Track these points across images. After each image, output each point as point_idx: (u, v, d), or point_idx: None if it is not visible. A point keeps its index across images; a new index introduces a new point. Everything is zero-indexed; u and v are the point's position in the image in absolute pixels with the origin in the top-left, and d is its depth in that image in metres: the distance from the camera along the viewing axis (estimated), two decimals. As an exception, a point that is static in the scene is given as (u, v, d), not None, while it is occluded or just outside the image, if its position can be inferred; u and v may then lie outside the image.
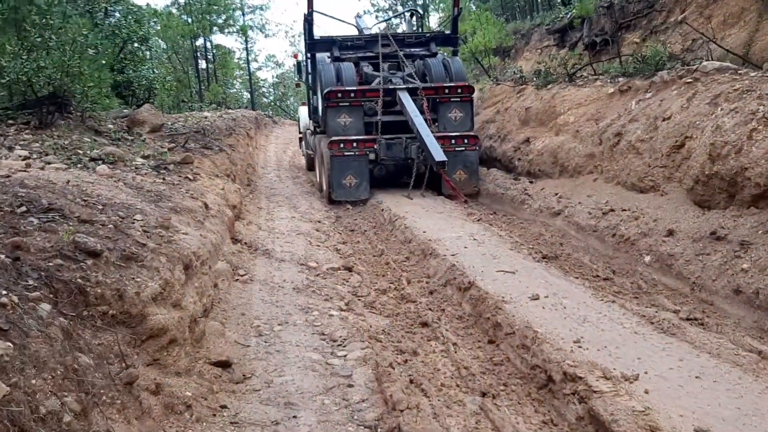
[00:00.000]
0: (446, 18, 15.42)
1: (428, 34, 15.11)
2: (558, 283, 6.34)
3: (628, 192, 8.80)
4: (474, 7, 22.57)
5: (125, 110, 14.54)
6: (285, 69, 49.26)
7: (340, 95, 12.35)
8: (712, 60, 9.78)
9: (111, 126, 11.97)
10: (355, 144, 12.06)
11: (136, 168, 8.60)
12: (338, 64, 13.27)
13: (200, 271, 5.37)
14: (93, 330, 3.24)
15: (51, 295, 3.11)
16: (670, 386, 3.92)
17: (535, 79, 14.32)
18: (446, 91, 12.57)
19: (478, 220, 9.87)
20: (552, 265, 7.21)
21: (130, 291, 3.70)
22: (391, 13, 34.94)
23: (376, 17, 35.79)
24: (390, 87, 12.53)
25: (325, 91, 12.56)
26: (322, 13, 21.04)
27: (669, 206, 7.73)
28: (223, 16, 37.31)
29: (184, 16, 35.17)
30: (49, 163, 7.44)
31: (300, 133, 18.76)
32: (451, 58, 13.85)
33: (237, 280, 6.71)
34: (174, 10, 35.34)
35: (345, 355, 4.91)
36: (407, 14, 20.33)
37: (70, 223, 4.31)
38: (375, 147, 12.18)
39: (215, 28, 37.20)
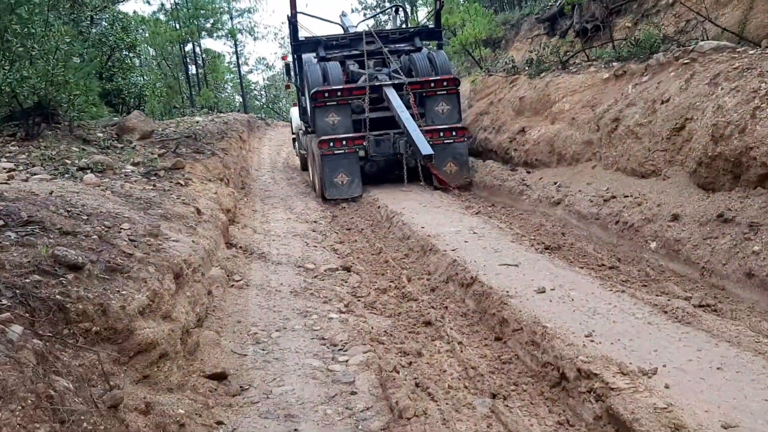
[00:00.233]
0: (433, 12, 15.33)
1: (412, 30, 15.17)
2: (563, 275, 6.13)
3: (628, 178, 8.60)
4: (462, 0, 22.31)
5: (115, 118, 14.32)
6: (276, 71, 49.00)
7: (326, 95, 12.40)
8: (708, 40, 9.58)
9: (100, 134, 11.76)
10: (344, 142, 12.13)
11: (126, 176, 8.39)
12: (324, 63, 13.35)
13: (192, 279, 5.15)
14: (74, 350, 3.03)
15: (26, 315, 2.90)
16: (691, 379, 3.72)
17: (527, 68, 14.10)
18: (432, 84, 12.65)
19: (477, 213, 9.67)
20: (555, 255, 7.01)
21: (114, 305, 3.49)
22: (378, 10, 34.69)
23: (364, 14, 35.60)
24: (376, 84, 12.59)
25: (311, 92, 12.63)
26: (305, 14, 20.89)
27: (672, 190, 7.53)
28: (211, 20, 37.04)
29: (172, 22, 34.89)
30: (34, 175, 7.23)
31: (293, 133, 18.66)
32: (436, 52, 13.87)
33: (232, 286, 6.50)
34: (161, 16, 35.06)
35: (346, 360, 4.70)
36: (392, 10, 20.21)
37: (51, 236, 4.10)
38: (364, 144, 12.28)
39: (204, 33, 36.93)
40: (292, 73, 15.83)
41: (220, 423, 3.68)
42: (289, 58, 16.93)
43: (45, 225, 4.25)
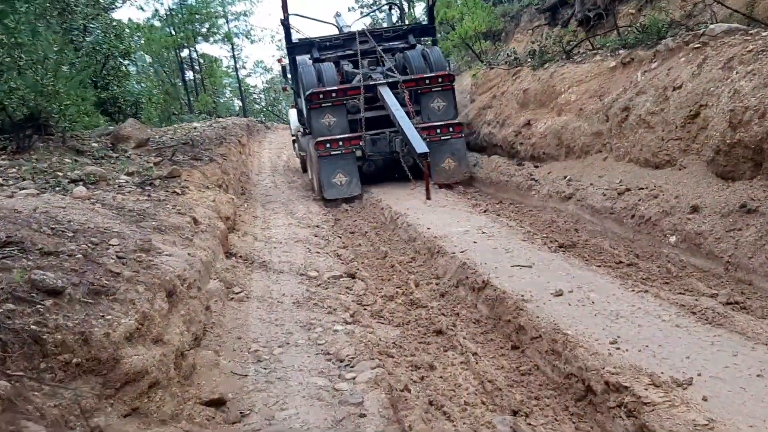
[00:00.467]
0: (427, 8, 15.16)
1: (405, 27, 15.10)
2: (580, 275, 5.81)
3: (642, 169, 8.26)
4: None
5: (111, 127, 14.04)
6: (274, 74, 48.74)
7: (321, 96, 12.37)
8: (718, 23, 9.23)
9: (95, 144, 11.47)
10: (340, 143, 12.12)
11: (119, 186, 8.09)
12: (318, 65, 13.32)
13: (187, 296, 4.85)
14: (51, 387, 2.72)
15: (-7, 352, 2.60)
16: (731, 389, 3.40)
17: (530, 59, 13.76)
18: (426, 81, 12.61)
19: (485, 211, 9.36)
20: (570, 254, 6.69)
21: (97, 332, 3.18)
22: (374, 8, 34.39)
23: (360, 12, 35.26)
24: (370, 83, 12.50)
25: (306, 94, 12.60)
26: (299, 15, 20.65)
27: (689, 181, 7.19)
28: (207, 25, 36.77)
29: (168, 28, 34.62)
30: (22, 189, 6.93)
31: (293, 135, 18.42)
32: (430, 48, 13.79)
33: (232, 299, 6.18)
34: (156, 23, 34.81)
35: (354, 378, 4.37)
36: (387, 8, 19.96)
37: (31, 257, 3.80)
38: (361, 144, 12.24)
39: (199, 38, 36.67)
40: (288, 76, 15.76)
41: (218, 456, 3.38)
42: (285, 61, 16.79)
43: (25, 246, 3.95)
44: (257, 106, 48.55)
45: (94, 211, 5.82)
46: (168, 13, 34.88)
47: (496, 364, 4.57)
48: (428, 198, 10.11)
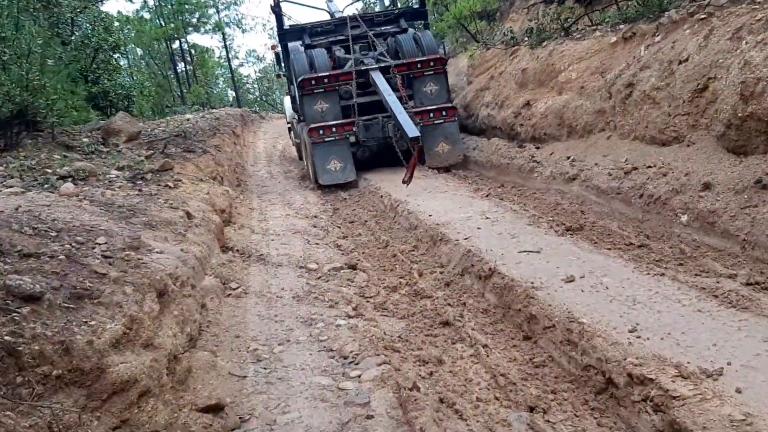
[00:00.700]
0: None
1: (396, 11, 14.90)
2: (591, 259, 5.57)
3: (648, 146, 7.99)
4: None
5: (102, 122, 13.74)
6: (267, 63, 48.26)
7: (313, 82, 12.22)
8: (722, -8, 8.92)
9: (85, 139, 11.18)
10: (333, 129, 12.02)
11: (110, 181, 7.83)
12: (310, 51, 13.19)
13: (181, 295, 4.60)
14: (28, 405, 2.48)
15: (-41, 369, 2.35)
16: (766, 379, 3.16)
17: (527, 38, 13.42)
18: (419, 65, 12.48)
19: (487, 196, 9.10)
20: (578, 237, 6.44)
21: (80, 340, 2.94)
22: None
23: (354, -3, 34.71)
24: (362, 68, 12.33)
25: (298, 80, 12.49)
26: (290, 1, 20.26)
27: (699, 157, 6.92)
28: (197, 15, 36.27)
29: (158, 19, 34.14)
30: (8, 187, 6.68)
31: (288, 123, 18.15)
32: (422, 32, 13.57)
33: (229, 295, 5.94)
34: (146, 14, 34.33)
35: (359, 376, 4.14)
36: None
37: (9, 260, 3.55)
38: (354, 129, 12.13)
39: (190, 28, 36.20)
40: (282, 63, 15.52)
41: (215, 468, 3.15)
42: (279, 48, 16.53)
43: (2, 248, 3.69)
44: (251, 96, 48.10)
45: (81, 208, 5.56)
46: (157, 3, 34.39)
47: (507, 357, 4.34)
48: (405, 182, 9.23)
